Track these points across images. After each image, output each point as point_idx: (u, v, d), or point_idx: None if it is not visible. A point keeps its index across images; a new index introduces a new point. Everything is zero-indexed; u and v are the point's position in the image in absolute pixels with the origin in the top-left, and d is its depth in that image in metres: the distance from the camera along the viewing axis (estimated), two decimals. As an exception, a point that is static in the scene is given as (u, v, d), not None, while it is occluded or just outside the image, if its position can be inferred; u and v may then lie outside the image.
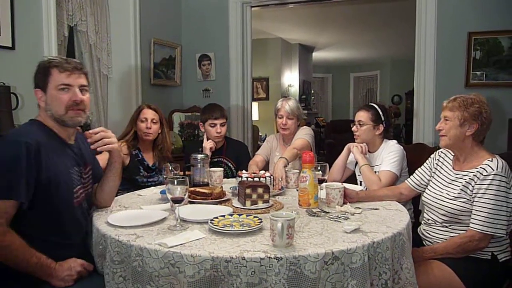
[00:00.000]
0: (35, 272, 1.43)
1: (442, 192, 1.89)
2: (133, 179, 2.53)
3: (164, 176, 2.23)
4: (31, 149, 1.44)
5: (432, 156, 2.08)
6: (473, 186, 1.77)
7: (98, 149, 1.69)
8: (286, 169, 2.37)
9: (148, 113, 2.58)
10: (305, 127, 2.95)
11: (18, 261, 1.41)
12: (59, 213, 1.56)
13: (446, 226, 1.87)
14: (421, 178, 2.07)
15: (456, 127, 1.81)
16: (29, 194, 1.45)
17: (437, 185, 1.95)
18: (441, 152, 2.03)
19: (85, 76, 1.65)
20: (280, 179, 2.25)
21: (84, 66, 1.70)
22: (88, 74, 1.70)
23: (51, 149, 1.54)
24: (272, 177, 2.15)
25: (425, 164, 2.09)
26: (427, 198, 1.98)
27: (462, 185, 1.81)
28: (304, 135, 2.78)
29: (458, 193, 1.81)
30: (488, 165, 1.74)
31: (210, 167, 2.37)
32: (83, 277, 1.53)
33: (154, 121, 2.59)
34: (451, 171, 1.92)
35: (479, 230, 1.72)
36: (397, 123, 9.72)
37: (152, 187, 2.35)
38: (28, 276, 1.44)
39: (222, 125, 2.81)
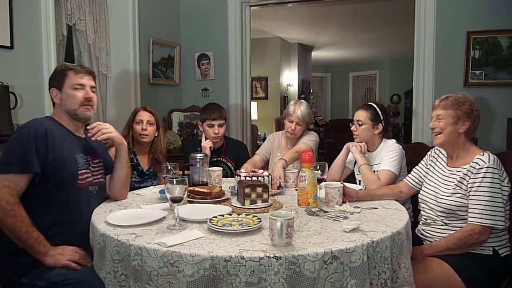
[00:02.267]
0: (33, 247, 1.60)
1: (438, 189, 1.92)
2: None
3: (163, 176, 2.22)
4: (38, 133, 1.69)
5: (428, 153, 2.11)
6: (467, 181, 1.80)
7: (98, 138, 1.89)
8: (285, 170, 2.37)
9: (144, 115, 2.55)
10: (312, 132, 2.93)
11: (21, 232, 1.58)
12: (64, 189, 1.75)
13: (446, 223, 1.88)
14: (419, 176, 2.09)
15: (451, 124, 1.86)
16: (40, 168, 1.66)
17: (432, 182, 1.98)
18: (436, 149, 2.06)
19: (94, 79, 1.94)
20: (278, 178, 2.25)
21: (93, 71, 2.00)
22: (96, 77, 1.98)
23: (57, 136, 1.77)
24: (270, 176, 2.15)
25: (421, 161, 2.13)
26: (423, 195, 2.00)
27: (457, 180, 1.84)
28: (309, 140, 2.77)
29: (453, 188, 1.84)
30: (480, 159, 1.79)
31: (210, 167, 2.37)
32: (80, 264, 1.64)
33: (150, 122, 2.55)
34: (445, 168, 1.96)
35: (479, 223, 1.73)
36: (396, 122, 9.73)
37: (151, 187, 2.35)
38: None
39: (220, 126, 2.80)
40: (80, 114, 1.85)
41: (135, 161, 2.55)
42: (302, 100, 2.89)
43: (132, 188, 2.40)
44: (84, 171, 1.84)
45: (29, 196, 1.68)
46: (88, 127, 1.89)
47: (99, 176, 1.96)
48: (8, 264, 1.65)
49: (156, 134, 2.60)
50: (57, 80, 1.86)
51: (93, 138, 1.88)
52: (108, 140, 1.97)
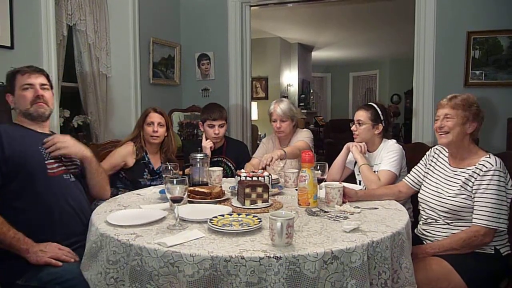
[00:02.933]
0: (12, 246, 1.62)
1: (440, 189, 1.92)
2: (136, 181, 2.54)
3: (164, 176, 2.23)
4: None
5: (427, 153, 2.11)
6: (473, 183, 1.80)
7: (52, 154, 1.85)
8: (283, 164, 2.40)
9: (155, 117, 2.59)
10: (305, 130, 2.96)
11: None
12: (35, 181, 1.77)
13: (448, 223, 1.88)
14: (418, 176, 2.09)
15: (460, 125, 1.85)
16: None
17: (433, 181, 1.98)
18: (436, 149, 2.07)
19: (45, 76, 1.96)
20: (269, 160, 2.33)
21: (43, 69, 2.01)
22: (49, 76, 2.00)
23: (15, 134, 1.81)
24: (270, 176, 2.15)
25: (421, 161, 2.13)
26: (423, 195, 2.00)
27: (462, 181, 1.84)
28: (305, 137, 2.80)
29: (458, 189, 1.84)
30: (487, 161, 1.79)
31: (210, 167, 2.37)
32: (66, 261, 1.65)
33: (161, 124, 2.60)
34: (447, 168, 1.95)
35: (484, 225, 1.74)
36: (396, 122, 9.73)
37: (152, 187, 2.35)
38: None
39: (220, 126, 2.81)
40: (33, 112, 1.87)
41: (147, 159, 2.60)
42: (282, 98, 2.96)
43: (143, 186, 2.48)
44: (52, 160, 1.86)
45: (4, 196, 1.72)
46: (45, 140, 1.87)
47: (74, 167, 1.97)
48: (3, 267, 1.67)
49: (166, 135, 2.65)
50: (9, 84, 1.91)
51: (47, 151, 1.85)
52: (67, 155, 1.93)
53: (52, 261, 1.62)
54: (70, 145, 1.90)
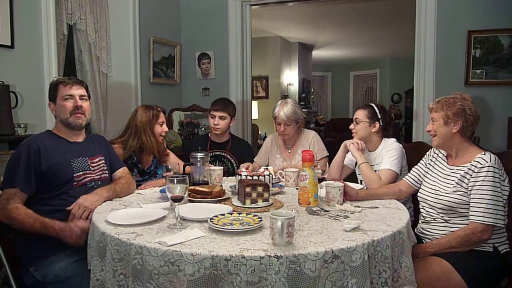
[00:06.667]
0: (42, 232, 1.80)
1: (438, 187, 1.93)
2: None
3: (164, 175, 2.22)
4: (31, 150, 1.90)
5: (427, 153, 2.14)
6: (468, 179, 1.82)
7: (84, 215, 1.89)
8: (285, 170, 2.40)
9: (163, 117, 2.59)
10: (311, 131, 2.98)
11: (25, 227, 1.82)
12: (62, 190, 1.95)
13: (446, 221, 1.89)
14: (419, 175, 2.11)
15: (442, 125, 1.90)
16: (30, 182, 1.88)
17: (432, 180, 2.00)
18: (436, 149, 2.08)
19: (84, 88, 2.09)
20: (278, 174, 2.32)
21: (83, 80, 2.17)
22: (87, 87, 2.14)
23: (51, 147, 1.97)
24: (271, 175, 2.15)
25: (421, 161, 2.15)
26: (422, 194, 2.02)
27: (458, 179, 1.85)
28: (321, 146, 2.85)
29: (454, 186, 1.86)
30: (482, 158, 1.81)
31: (213, 160, 2.35)
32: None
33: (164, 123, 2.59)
34: (445, 166, 1.97)
35: (481, 221, 1.75)
36: (396, 121, 9.69)
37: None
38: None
39: (221, 118, 2.81)
40: (72, 122, 2.02)
41: (135, 159, 2.51)
42: (287, 100, 2.91)
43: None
44: (81, 173, 2.01)
45: (39, 195, 1.94)
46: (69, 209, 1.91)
47: (100, 173, 2.10)
48: (23, 254, 1.88)
49: None
50: (51, 93, 2.05)
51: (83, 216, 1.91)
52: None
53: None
54: (91, 206, 1.90)
